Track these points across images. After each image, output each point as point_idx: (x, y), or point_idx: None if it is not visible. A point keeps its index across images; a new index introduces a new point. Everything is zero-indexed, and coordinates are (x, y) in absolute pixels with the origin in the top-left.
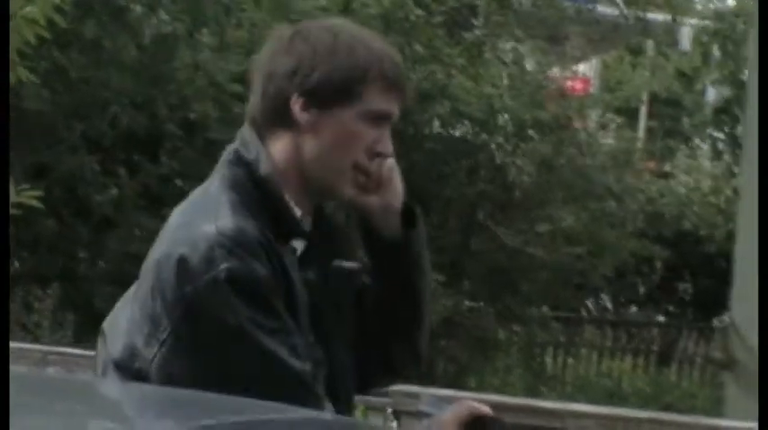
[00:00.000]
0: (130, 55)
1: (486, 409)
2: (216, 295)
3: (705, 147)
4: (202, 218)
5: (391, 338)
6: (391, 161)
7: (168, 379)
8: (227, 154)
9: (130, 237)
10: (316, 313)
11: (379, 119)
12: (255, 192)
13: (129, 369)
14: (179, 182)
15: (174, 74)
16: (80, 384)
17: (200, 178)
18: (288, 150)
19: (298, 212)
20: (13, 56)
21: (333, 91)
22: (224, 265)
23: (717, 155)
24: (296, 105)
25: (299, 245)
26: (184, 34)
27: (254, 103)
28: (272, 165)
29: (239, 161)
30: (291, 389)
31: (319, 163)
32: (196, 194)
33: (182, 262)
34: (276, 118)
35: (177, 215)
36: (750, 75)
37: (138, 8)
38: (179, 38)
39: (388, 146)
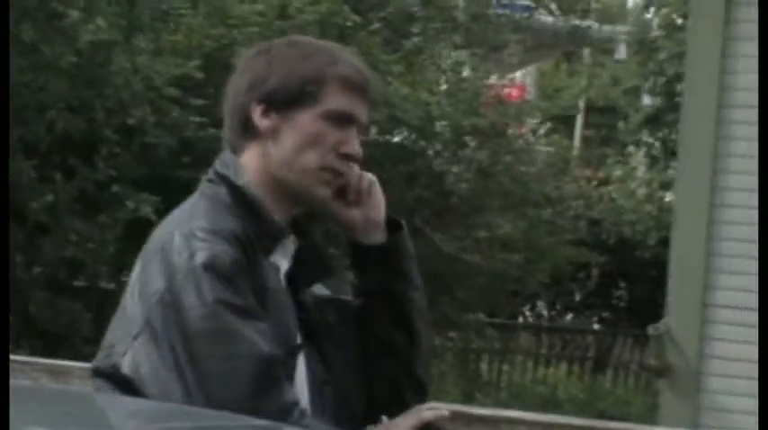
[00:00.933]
0: (67, 60)
1: (435, 414)
2: (188, 282)
3: (640, 153)
4: (179, 222)
5: (387, 361)
6: (371, 175)
7: (136, 368)
8: (205, 175)
9: (65, 243)
10: (312, 333)
11: (341, 120)
12: (233, 202)
13: (104, 368)
14: (115, 187)
15: (111, 78)
16: (18, 390)
17: (135, 183)
18: (256, 159)
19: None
20: None
21: (289, 94)
22: (198, 252)
23: (651, 162)
24: (255, 113)
25: (282, 263)
26: (121, 39)
27: (224, 125)
28: (246, 176)
29: (217, 177)
30: (257, 371)
31: (285, 166)
32: (174, 211)
33: (158, 260)
34: (242, 131)
35: (157, 229)
36: (685, 84)
37: (75, 14)
38: (116, 43)
39: (354, 147)
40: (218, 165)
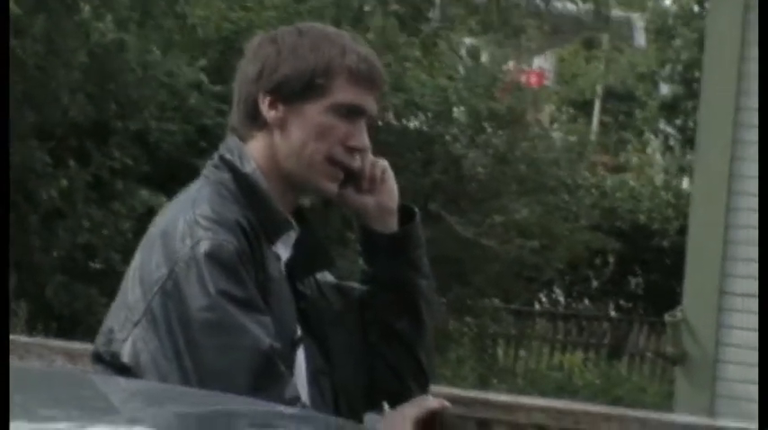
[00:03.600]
0: (78, 59)
1: (440, 404)
2: (191, 271)
3: (657, 141)
4: (181, 207)
5: (391, 348)
6: (384, 162)
7: (136, 356)
8: (210, 160)
9: (80, 228)
10: (311, 322)
11: (349, 113)
12: (237, 189)
13: (104, 355)
14: (123, 182)
15: (124, 76)
16: (36, 374)
17: (149, 174)
18: (263, 150)
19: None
20: None
21: (297, 86)
22: (201, 241)
23: (667, 149)
24: (263, 104)
25: (283, 252)
26: (131, 38)
27: (232, 112)
28: (253, 163)
29: (222, 162)
30: (258, 364)
31: (292, 158)
32: (178, 196)
33: (160, 246)
34: (249, 120)
35: (159, 214)
36: (704, 71)
37: (86, 9)
38: (124, 43)
39: (362, 140)
40: (223, 150)
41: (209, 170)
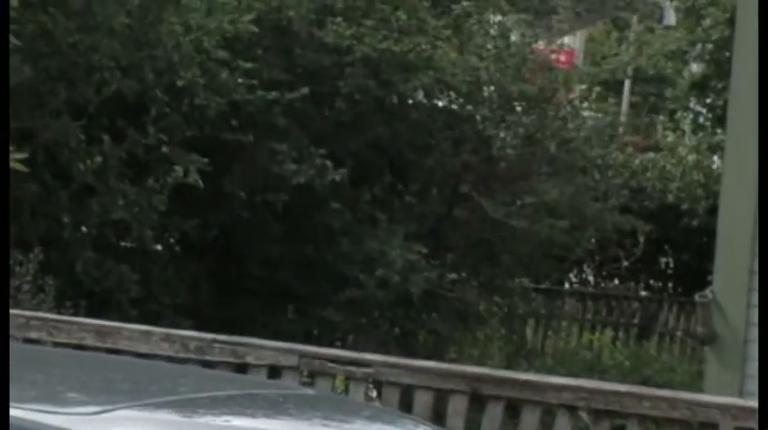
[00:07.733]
0: (119, 21)
1: None
2: None
3: (687, 120)
4: None
5: None
6: None
7: None
8: None
9: (112, 205)
10: None
11: None
12: None
13: None
14: (164, 149)
15: (162, 38)
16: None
17: (183, 145)
18: None
19: None
20: None
21: None
22: None
23: (698, 128)
24: None
25: None
26: None
27: None
28: None
29: None
30: None
31: None
32: None
33: None
34: None
35: None
36: (735, 49)
37: None
38: (167, 1)
39: None
40: None
41: None
